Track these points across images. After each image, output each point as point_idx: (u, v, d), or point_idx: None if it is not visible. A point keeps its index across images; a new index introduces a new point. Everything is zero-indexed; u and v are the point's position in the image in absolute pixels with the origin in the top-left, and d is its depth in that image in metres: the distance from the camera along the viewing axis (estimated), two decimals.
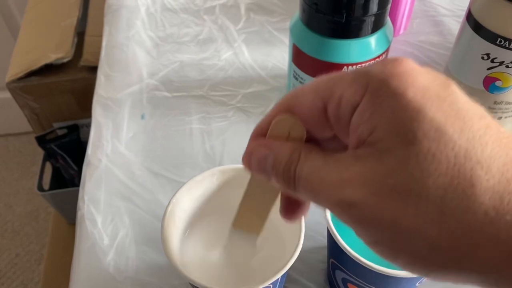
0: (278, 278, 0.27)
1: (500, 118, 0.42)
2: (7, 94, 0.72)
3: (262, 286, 0.26)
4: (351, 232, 0.32)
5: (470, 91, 0.40)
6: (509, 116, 0.42)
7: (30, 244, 1.24)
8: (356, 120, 0.17)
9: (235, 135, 0.46)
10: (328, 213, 0.29)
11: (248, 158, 0.21)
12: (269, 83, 0.51)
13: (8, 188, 1.34)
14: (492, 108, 0.41)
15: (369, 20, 0.38)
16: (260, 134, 0.21)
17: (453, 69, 0.42)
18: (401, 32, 0.56)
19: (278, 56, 0.54)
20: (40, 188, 0.76)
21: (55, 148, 0.75)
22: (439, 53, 0.53)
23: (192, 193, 0.31)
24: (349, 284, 0.31)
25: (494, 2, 0.36)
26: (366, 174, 0.16)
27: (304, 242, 0.34)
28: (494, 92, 0.39)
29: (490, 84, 0.39)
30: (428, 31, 0.56)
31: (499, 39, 0.36)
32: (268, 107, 0.48)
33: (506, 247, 0.15)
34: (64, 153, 0.75)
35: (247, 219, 0.27)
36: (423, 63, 0.52)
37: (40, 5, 0.81)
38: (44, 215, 1.29)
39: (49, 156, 0.78)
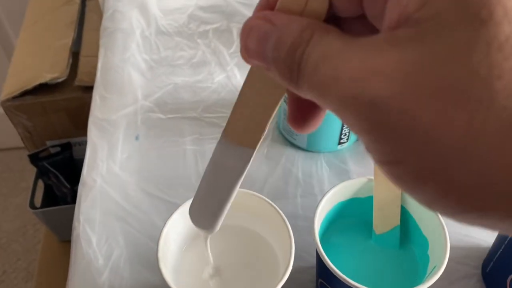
0: None
1: None
2: None
3: None
4: (339, 252, 0.34)
5: None
6: None
7: (18, 261, 1.23)
8: None
9: None
10: (317, 233, 0.30)
11: (245, 36, 0.15)
12: None
13: None
14: None
15: None
16: (267, 5, 0.16)
17: None
18: None
19: None
20: (32, 205, 0.77)
21: (47, 165, 0.76)
22: None
23: (186, 215, 0.32)
24: None
25: None
26: (406, 63, 0.11)
27: (294, 261, 0.35)
28: None
29: None
30: None
31: None
32: None
33: None
34: (57, 171, 0.76)
35: (242, 127, 0.21)
36: None
37: (36, 25, 0.82)
38: (33, 231, 1.28)
39: (41, 173, 0.79)
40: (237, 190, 0.23)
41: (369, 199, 0.33)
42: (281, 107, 0.47)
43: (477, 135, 0.11)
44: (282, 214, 0.31)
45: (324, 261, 0.29)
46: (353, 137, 0.47)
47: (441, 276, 0.39)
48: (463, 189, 0.11)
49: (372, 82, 0.12)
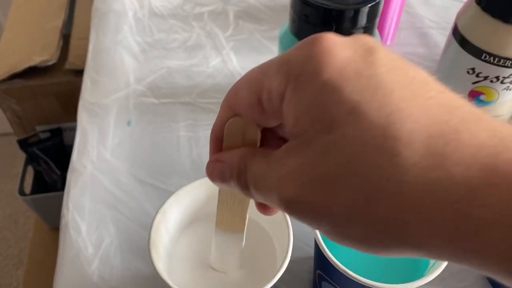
0: None
1: None
2: None
3: None
4: (336, 246, 0.32)
5: None
6: None
7: (9, 248, 1.21)
8: (284, 111, 0.17)
9: None
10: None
11: (209, 175, 0.21)
12: None
13: None
14: None
15: (358, 33, 0.38)
16: (217, 140, 0.21)
17: (439, 81, 0.42)
18: (388, 42, 0.57)
19: None
20: (22, 192, 0.75)
21: (37, 151, 0.74)
22: (425, 65, 0.53)
23: (180, 203, 0.31)
24: None
25: (480, 18, 0.36)
26: (296, 168, 0.16)
27: (291, 252, 0.34)
28: (479, 105, 0.40)
29: (475, 98, 0.40)
30: (414, 42, 0.57)
31: (484, 54, 0.37)
32: None
33: (434, 223, 0.14)
34: (47, 157, 0.74)
35: (228, 220, 0.28)
36: None
37: (25, 6, 0.80)
38: (24, 219, 1.27)
39: (31, 159, 0.77)
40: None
41: None
42: None
43: (350, 203, 0.15)
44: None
45: (324, 252, 0.28)
46: None
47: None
48: (364, 239, 0.16)
49: (284, 187, 0.17)
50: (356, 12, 0.36)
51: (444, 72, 0.41)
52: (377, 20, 0.39)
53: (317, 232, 0.29)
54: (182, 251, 0.31)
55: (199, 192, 0.32)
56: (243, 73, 0.52)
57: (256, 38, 0.57)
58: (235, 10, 0.61)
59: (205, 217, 0.32)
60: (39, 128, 0.76)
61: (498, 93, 0.39)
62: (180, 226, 0.32)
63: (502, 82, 0.38)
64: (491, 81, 0.38)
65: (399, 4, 0.53)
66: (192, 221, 0.32)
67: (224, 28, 0.58)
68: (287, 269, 0.35)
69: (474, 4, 0.37)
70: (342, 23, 0.37)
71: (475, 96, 0.40)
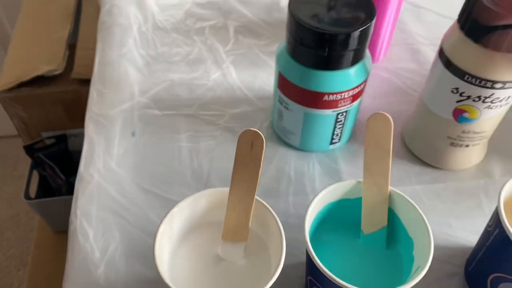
0: None
1: (467, 145, 0.45)
2: None
3: None
4: (329, 251, 0.35)
5: (441, 121, 0.44)
6: (476, 144, 0.45)
7: (11, 249, 1.24)
8: None
9: (222, 154, 0.49)
10: (307, 233, 0.32)
11: None
12: (255, 104, 0.54)
13: None
14: (461, 137, 0.44)
15: (349, 54, 0.41)
16: None
17: (426, 99, 0.45)
18: (381, 58, 0.60)
19: (264, 78, 0.56)
20: (27, 196, 0.77)
21: (42, 157, 0.76)
22: (415, 80, 0.56)
23: (182, 213, 0.33)
24: None
25: (463, 42, 0.39)
26: None
27: (285, 258, 0.37)
28: (462, 123, 0.43)
29: (459, 115, 0.42)
30: (406, 58, 0.60)
31: (466, 75, 0.39)
32: (254, 128, 0.51)
33: None
34: (52, 162, 0.77)
35: (233, 230, 0.33)
36: (400, 89, 0.55)
37: (32, 17, 0.83)
38: (26, 220, 1.29)
39: (36, 164, 0.79)
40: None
41: (358, 200, 0.35)
42: (275, 107, 0.48)
43: None
44: (274, 213, 0.33)
45: (313, 260, 0.30)
46: (344, 138, 0.49)
47: (425, 274, 0.41)
48: None
49: None
50: (348, 36, 0.39)
51: (431, 90, 0.44)
52: (367, 42, 0.42)
53: (308, 240, 0.31)
54: (184, 256, 0.34)
55: (199, 202, 0.34)
56: (242, 86, 0.55)
57: (254, 53, 0.60)
58: (235, 25, 0.63)
59: (205, 224, 0.35)
60: (44, 134, 0.78)
61: (480, 111, 0.41)
62: (182, 234, 0.34)
63: (483, 102, 0.40)
64: (474, 100, 0.40)
65: (391, 22, 0.56)
66: (193, 228, 0.35)
67: (224, 43, 0.61)
68: (281, 273, 0.38)
69: (458, 29, 0.40)
70: (334, 46, 0.40)
71: (459, 113, 0.42)
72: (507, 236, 0.32)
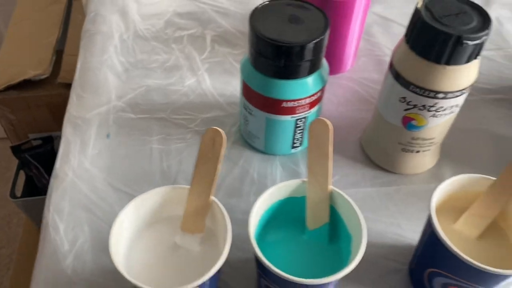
0: (206, 281, 0.33)
1: (418, 151, 0.48)
2: None
3: (192, 286, 0.32)
4: (277, 246, 0.38)
5: (392, 128, 0.47)
6: (426, 150, 0.48)
7: (1, 249, 1.26)
8: None
9: (190, 156, 0.52)
10: (252, 231, 0.34)
11: None
12: (226, 110, 0.57)
13: None
14: (410, 143, 0.47)
15: (305, 65, 0.44)
16: None
17: (380, 108, 0.48)
18: (348, 68, 0.63)
19: (236, 85, 0.60)
20: (13, 195, 0.80)
21: (29, 158, 0.79)
22: (377, 90, 0.59)
23: (139, 208, 0.37)
24: None
25: (408, 55, 0.42)
26: None
27: (239, 253, 0.40)
28: (411, 130, 0.46)
29: (408, 123, 0.45)
30: (371, 69, 0.63)
31: (411, 86, 0.42)
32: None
33: None
34: (38, 163, 0.80)
35: (192, 222, 0.36)
36: (362, 98, 0.59)
37: (23, 22, 0.86)
38: (17, 220, 1.32)
39: (23, 165, 0.82)
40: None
41: (303, 198, 0.38)
42: (241, 113, 0.51)
43: None
44: (222, 207, 0.36)
45: (256, 253, 0.33)
46: (305, 142, 0.52)
47: (371, 270, 0.44)
48: None
49: None
50: (303, 48, 0.42)
51: (384, 99, 0.47)
52: (322, 53, 0.45)
53: (251, 233, 0.34)
54: (141, 248, 0.37)
55: (155, 199, 0.37)
56: (214, 92, 0.59)
57: (228, 61, 0.63)
58: (212, 35, 0.67)
59: (163, 220, 0.38)
60: (31, 135, 0.81)
61: (427, 119, 0.44)
62: (140, 227, 0.37)
63: (428, 110, 0.43)
64: (419, 109, 0.44)
65: (356, 34, 0.59)
66: (149, 222, 0.38)
67: (200, 51, 0.64)
68: (236, 267, 0.41)
69: (405, 42, 0.43)
70: (290, 57, 0.43)
71: (408, 121, 0.45)
72: (436, 234, 0.35)
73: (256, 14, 0.44)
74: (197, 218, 0.36)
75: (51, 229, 0.44)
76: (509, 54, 0.66)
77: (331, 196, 0.37)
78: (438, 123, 0.45)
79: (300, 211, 0.38)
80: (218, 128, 0.34)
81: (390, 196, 0.49)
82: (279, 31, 0.43)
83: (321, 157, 0.35)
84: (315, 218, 0.38)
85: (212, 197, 0.36)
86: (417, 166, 0.50)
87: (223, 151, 0.34)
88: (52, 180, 0.49)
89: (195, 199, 0.36)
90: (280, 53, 0.42)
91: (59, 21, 0.83)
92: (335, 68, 0.62)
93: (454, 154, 0.52)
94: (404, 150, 0.48)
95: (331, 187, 0.37)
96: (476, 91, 0.60)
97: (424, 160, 0.50)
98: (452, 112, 0.44)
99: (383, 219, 0.47)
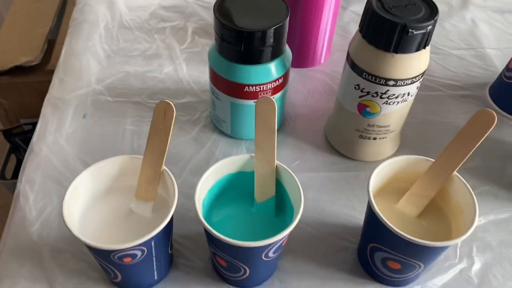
0: (152, 243, 0.35)
1: (375, 138, 0.50)
2: None
3: (137, 243, 0.34)
4: (228, 218, 0.40)
5: (350, 115, 0.49)
6: (383, 137, 0.51)
7: None
8: None
9: None
10: (200, 212, 0.36)
11: None
12: (199, 96, 0.59)
13: None
14: (367, 130, 0.49)
15: (267, 50, 0.46)
16: None
17: (340, 97, 0.51)
18: (322, 62, 0.66)
19: None
20: (2, 176, 0.83)
21: (19, 142, 0.83)
22: None
23: (94, 175, 0.39)
24: (216, 257, 0.39)
25: (361, 44, 0.45)
26: None
27: (195, 227, 0.42)
28: (366, 116, 0.48)
29: (363, 110, 0.48)
30: (343, 63, 0.65)
31: (364, 73, 0.45)
32: (194, 116, 0.57)
33: None
34: (28, 147, 0.83)
35: (145, 190, 0.39)
36: (331, 89, 0.61)
37: (21, 12, 0.90)
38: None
39: (14, 149, 0.85)
40: None
41: (253, 173, 0.40)
42: (210, 98, 0.54)
43: None
44: (173, 177, 0.38)
45: (201, 222, 0.35)
46: None
47: (322, 248, 0.46)
48: None
49: None
50: (264, 33, 0.45)
51: (342, 88, 0.50)
52: (284, 39, 0.47)
53: (199, 207, 0.36)
54: (97, 213, 0.39)
55: (112, 168, 0.40)
56: (190, 80, 0.61)
57: (206, 52, 0.66)
58: (194, 27, 0.70)
59: (119, 189, 0.41)
60: (23, 120, 0.85)
61: (380, 106, 0.47)
62: (94, 194, 0.40)
63: (381, 97, 0.46)
64: (373, 96, 0.46)
65: (328, 29, 0.62)
66: (105, 190, 0.40)
67: (181, 42, 0.67)
68: (193, 240, 0.44)
69: (359, 32, 0.45)
70: (252, 42, 0.45)
71: (363, 108, 0.48)
72: (372, 210, 0.37)
73: (221, 3, 0.47)
74: (149, 187, 0.39)
75: (22, 198, 0.47)
76: (480, 53, 0.68)
77: (277, 171, 0.40)
78: (392, 111, 0.47)
79: (250, 185, 0.40)
80: (169, 101, 0.37)
81: (347, 180, 0.51)
82: (241, 19, 0.45)
83: (267, 133, 0.38)
84: (262, 191, 0.40)
85: (164, 167, 0.39)
86: (376, 154, 0.52)
87: (173, 123, 0.37)
88: (27, 154, 0.52)
89: (147, 169, 0.38)
90: (241, 38, 0.45)
91: (53, 13, 0.87)
92: (308, 61, 0.65)
93: (414, 143, 0.55)
94: (361, 137, 0.51)
95: (277, 162, 0.39)
96: (444, 87, 0.62)
97: (383, 147, 0.52)
98: (405, 101, 0.47)
99: (338, 201, 0.49)
